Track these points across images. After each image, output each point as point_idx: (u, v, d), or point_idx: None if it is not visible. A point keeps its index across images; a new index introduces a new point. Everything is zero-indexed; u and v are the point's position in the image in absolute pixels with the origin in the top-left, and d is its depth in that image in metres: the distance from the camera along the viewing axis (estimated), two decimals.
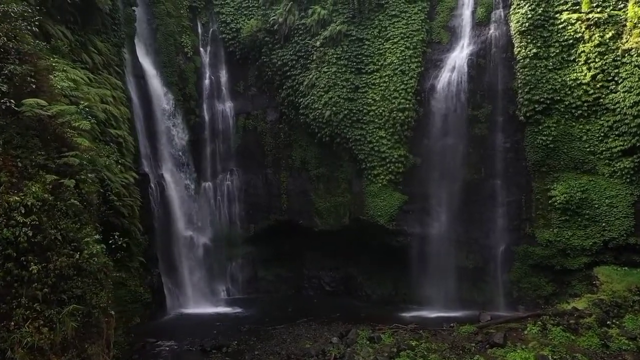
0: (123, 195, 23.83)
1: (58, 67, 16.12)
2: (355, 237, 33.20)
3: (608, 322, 21.01)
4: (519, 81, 29.26)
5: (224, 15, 35.88)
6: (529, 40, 29.11)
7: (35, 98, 13.11)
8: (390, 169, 31.32)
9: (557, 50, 28.75)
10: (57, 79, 15.07)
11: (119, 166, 24.46)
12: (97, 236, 13.07)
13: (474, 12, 31.68)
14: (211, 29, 36.23)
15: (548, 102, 28.63)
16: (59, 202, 12.40)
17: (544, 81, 28.72)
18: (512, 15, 29.84)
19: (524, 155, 29.58)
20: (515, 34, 29.62)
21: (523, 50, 29.23)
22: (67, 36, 22.32)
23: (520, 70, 29.23)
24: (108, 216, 23.15)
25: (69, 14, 23.16)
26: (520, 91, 29.23)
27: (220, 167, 35.33)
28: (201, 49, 35.88)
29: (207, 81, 35.62)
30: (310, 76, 33.27)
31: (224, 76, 36.11)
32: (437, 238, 30.98)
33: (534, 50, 28.90)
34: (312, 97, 32.94)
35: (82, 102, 15.91)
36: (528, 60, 29.01)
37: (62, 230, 12.32)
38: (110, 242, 14.60)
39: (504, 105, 30.16)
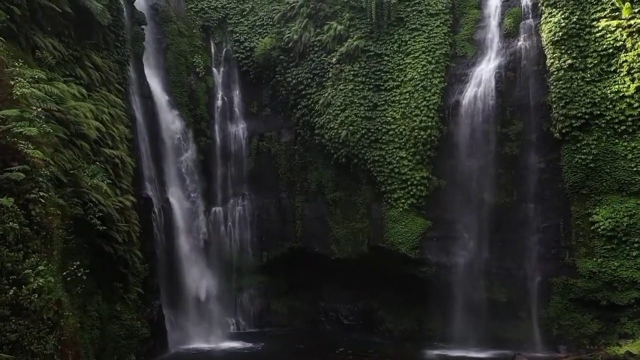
0: (117, 220, 21.66)
1: (26, 74, 14.06)
2: (375, 266, 30.27)
3: None
4: (553, 95, 26.27)
5: (237, 34, 34.14)
6: (563, 51, 26.21)
7: None
8: (412, 192, 28.48)
9: (596, 61, 25.67)
10: (18, 85, 12.98)
11: (115, 189, 22.50)
12: (41, 267, 10.59)
13: (501, 24, 29.06)
14: (225, 49, 34.51)
15: (587, 117, 25.45)
16: None
17: (582, 94, 25.63)
18: (544, 25, 27.07)
19: (560, 176, 26.29)
20: (547, 44, 26.79)
21: (557, 62, 26.33)
22: (57, 49, 20.47)
23: (554, 84, 26.27)
24: (100, 243, 21.13)
25: (63, 27, 21.39)
26: (554, 106, 26.20)
27: (232, 191, 33.04)
28: (214, 69, 34.09)
29: (219, 102, 33.68)
30: (326, 94, 30.99)
31: (237, 96, 34.15)
32: (465, 268, 27.78)
33: (569, 61, 25.95)
34: (327, 116, 30.58)
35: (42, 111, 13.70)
36: (563, 72, 26.06)
37: None
38: (65, 273, 12.12)
39: (536, 121, 27.16)
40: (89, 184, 17.80)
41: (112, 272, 22.34)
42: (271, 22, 33.69)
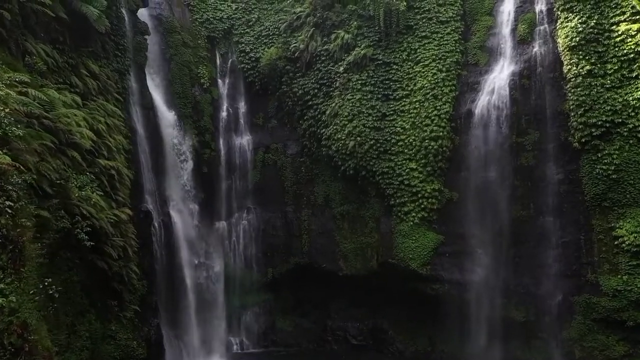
0: (111, 234, 20.47)
1: (3, 77, 12.98)
2: (384, 283, 28.77)
3: None
4: (572, 103, 24.79)
5: (243, 45, 33.18)
6: (581, 57, 24.76)
7: None
8: (422, 205, 27.10)
9: (616, 67, 24.18)
10: None
11: (111, 201, 21.37)
12: (2, 285, 9.32)
13: (514, 30, 27.76)
14: (230, 60, 33.55)
15: (607, 125, 23.89)
16: None
17: (601, 102, 24.11)
18: (560, 30, 25.70)
19: (580, 188, 24.68)
20: (564, 50, 25.38)
21: (574, 68, 24.88)
22: (50, 55, 19.50)
23: (572, 91, 24.81)
24: (93, 259, 20.00)
25: (57, 33, 20.49)
26: (573, 114, 24.71)
27: (236, 205, 31.79)
28: (219, 80, 33.10)
29: (224, 113, 32.63)
30: (333, 104, 29.80)
31: (242, 108, 33.08)
32: (480, 285, 26.25)
33: (588, 68, 24.49)
34: (334, 127, 29.34)
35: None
36: (581, 78, 24.61)
37: None
38: (32, 292, 10.82)
39: (554, 130, 25.70)
40: (77, 195, 16.63)
41: (107, 289, 21.15)
42: (277, 32, 32.73)
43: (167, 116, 29.17)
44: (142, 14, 29.51)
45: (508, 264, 25.92)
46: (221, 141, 32.15)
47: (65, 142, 18.17)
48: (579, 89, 24.58)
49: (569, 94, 24.97)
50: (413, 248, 26.97)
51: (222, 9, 33.46)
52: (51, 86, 18.40)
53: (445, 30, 28.85)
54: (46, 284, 11.10)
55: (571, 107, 24.83)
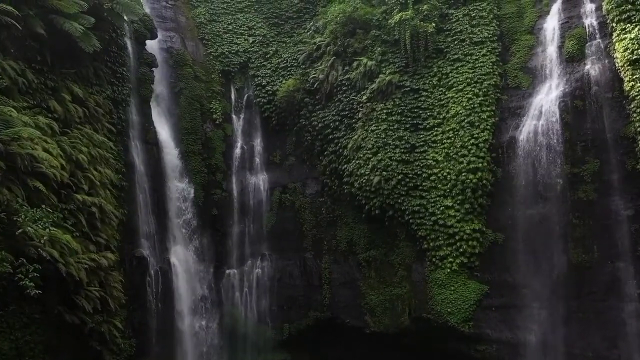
0: (85, 283, 16.80)
1: None
2: (419, 342, 23.97)
3: None
4: (638, 125, 20.37)
5: (259, 78, 30.17)
6: None
7: None
8: (461, 249, 22.67)
9: None
10: None
11: (89, 243, 17.86)
12: None
13: (561, 47, 23.83)
14: (246, 95, 30.50)
15: None
16: None
17: None
18: (617, 44, 21.63)
19: None
20: (623, 65, 21.20)
21: (638, 85, 20.54)
22: (21, 74, 16.65)
23: (638, 111, 20.45)
24: (61, 312, 16.37)
25: (34, 51, 17.76)
26: None
27: (250, 250, 27.73)
28: (233, 115, 29.97)
29: (238, 150, 29.23)
30: (356, 137, 26.08)
31: (258, 145, 29.65)
32: (537, 347, 21.20)
33: None
34: (357, 162, 25.48)
35: None
36: None
37: None
38: None
39: (617, 158, 21.13)
40: (33, 230, 13.07)
41: (82, 350, 17.39)
42: (296, 64, 29.71)
43: (172, 153, 26.08)
44: (152, 47, 27.13)
45: (571, 321, 20.78)
46: (234, 180, 28.58)
47: (24, 169, 14.90)
48: None
49: (634, 115, 20.59)
50: (451, 300, 22.24)
51: (238, 42, 30.83)
52: (12, 104, 15.32)
53: (480, 52, 25.21)
54: None
55: (638, 130, 20.35)
